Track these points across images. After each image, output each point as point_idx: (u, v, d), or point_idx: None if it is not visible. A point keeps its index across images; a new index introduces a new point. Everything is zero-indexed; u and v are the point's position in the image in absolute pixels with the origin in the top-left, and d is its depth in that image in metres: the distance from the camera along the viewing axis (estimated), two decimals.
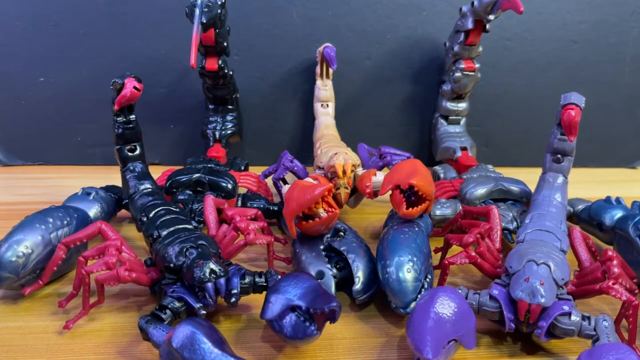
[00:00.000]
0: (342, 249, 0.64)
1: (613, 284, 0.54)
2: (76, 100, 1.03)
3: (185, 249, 0.55)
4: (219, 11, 0.79)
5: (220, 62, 0.89)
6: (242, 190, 0.85)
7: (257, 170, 0.93)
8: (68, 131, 1.06)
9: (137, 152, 0.71)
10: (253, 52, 1.05)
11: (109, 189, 0.79)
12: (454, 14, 0.95)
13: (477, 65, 0.97)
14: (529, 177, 0.84)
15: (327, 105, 1.00)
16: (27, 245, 0.59)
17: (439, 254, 0.70)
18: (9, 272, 0.57)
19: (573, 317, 0.52)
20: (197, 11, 0.76)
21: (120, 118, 0.68)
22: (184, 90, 1.04)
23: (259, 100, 1.08)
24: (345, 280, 0.64)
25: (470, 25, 0.89)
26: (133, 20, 1.01)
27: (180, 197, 0.76)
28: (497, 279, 0.58)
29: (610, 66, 1.12)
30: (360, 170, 0.78)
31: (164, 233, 0.59)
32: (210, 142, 0.99)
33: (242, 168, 0.96)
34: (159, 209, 0.64)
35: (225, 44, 0.88)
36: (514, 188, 0.80)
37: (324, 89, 1.00)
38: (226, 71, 0.90)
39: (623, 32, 1.11)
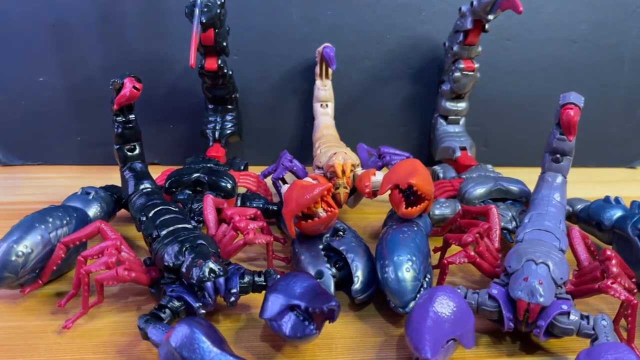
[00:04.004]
0: (341, 248, 0.64)
1: (612, 283, 0.54)
2: (76, 100, 1.04)
3: (184, 249, 0.55)
4: (218, 11, 0.79)
5: (219, 62, 0.89)
6: (241, 190, 0.85)
7: (256, 170, 0.93)
8: (68, 131, 1.06)
9: (137, 151, 0.71)
10: (253, 52, 1.05)
11: (108, 188, 0.79)
12: (454, 14, 0.95)
13: (476, 65, 0.97)
14: (529, 176, 0.84)
15: (327, 105, 1.00)
16: (27, 244, 0.59)
17: (438, 253, 0.70)
18: (8, 272, 0.57)
19: (572, 317, 0.52)
20: (197, 11, 0.76)
21: (120, 118, 0.68)
22: (184, 90, 1.04)
23: (259, 100, 1.08)
24: (344, 280, 0.64)
25: (469, 25, 0.89)
26: (133, 20, 1.01)
27: (180, 197, 0.76)
28: (496, 279, 0.58)
29: (609, 66, 1.12)
30: (359, 170, 0.78)
31: (163, 232, 0.59)
32: (209, 141, 0.99)
33: (242, 168, 0.96)
34: (158, 208, 0.64)
35: (224, 43, 0.88)
36: (513, 188, 0.80)
37: (324, 89, 1.00)
38: (225, 71, 0.91)
39: (623, 32, 1.11)
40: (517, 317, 0.53)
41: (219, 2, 0.80)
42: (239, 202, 0.80)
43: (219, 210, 0.69)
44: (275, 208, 0.80)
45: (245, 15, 1.02)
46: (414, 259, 0.58)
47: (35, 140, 1.06)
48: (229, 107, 1.00)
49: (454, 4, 1.03)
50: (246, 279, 0.55)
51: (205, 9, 0.77)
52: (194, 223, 0.63)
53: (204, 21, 0.77)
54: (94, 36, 1.01)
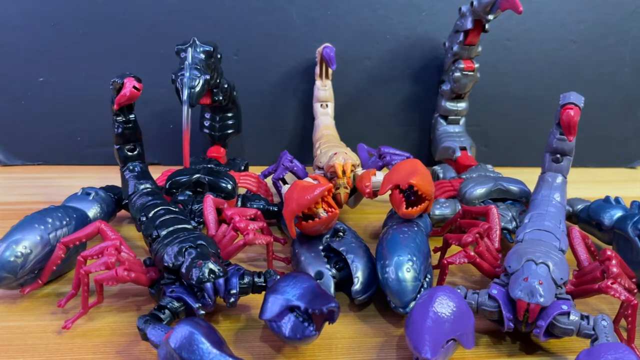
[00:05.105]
0: (341, 249, 0.64)
1: (612, 283, 0.54)
2: (76, 100, 1.04)
3: (184, 249, 0.55)
4: (205, 86, 0.75)
5: (214, 97, 0.89)
6: (242, 191, 0.85)
7: (257, 170, 0.93)
8: (68, 131, 1.06)
9: (137, 151, 0.71)
10: (253, 52, 1.05)
11: (108, 189, 0.79)
12: (454, 13, 0.95)
13: (476, 65, 0.97)
14: (529, 177, 0.84)
15: (327, 105, 1.00)
16: (26, 245, 0.59)
17: (438, 253, 0.70)
18: (7, 272, 0.57)
19: (572, 317, 0.52)
20: (185, 94, 0.72)
21: (120, 118, 0.68)
22: None
23: (259, 100, 1.08)
24: (344, 281, 0.63)
25: (469, 25, 0.89)
26: (133, 20, 1.01)
27: (180, 197, 0.76)
28: (496, 279, 0.58)
29: (609, 66, 1.12)
30: (359, 170, 0.78)
31: (163, 233, 0.59)
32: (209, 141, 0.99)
33: (242, 168, 0.96)
34: (158, 208, 0.64)
35: (220, 97, 0.88)
36: (513, 188, 0.80)
37: (324, 89, 1.00)
38: (221, 98, 0.90)
39: (623, 32, 1.11)
40: (517, 317, 0.53)
41: (204, 78, 0.75)
42: (239, 203, 0.80)
43: (219, 211, 0.69)
44: (275, 209, 0.80)
45: (245, 15, 1.02)
46: (415, 259, 0.58)
47: (35, 140, 1.06)
48: (229, 107, 1.00)
49: (454, 4, 1.03)
50: (246, 279, 0.55)
51: (192, 90, 0.73)
52: (194, 223, 0.63)
53: (193, 104, 0.74)
54: (94, 36, 1.01)
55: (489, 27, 0.90)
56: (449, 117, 1.05)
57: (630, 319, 0.54)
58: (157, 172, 0.82)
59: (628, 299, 0.53)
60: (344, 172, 0.74)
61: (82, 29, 1.00)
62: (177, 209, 0.65)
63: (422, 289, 0.59)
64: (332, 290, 0.60)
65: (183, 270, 0.54)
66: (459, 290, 0.55)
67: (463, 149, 0.99)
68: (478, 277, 0.70)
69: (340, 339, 0.57)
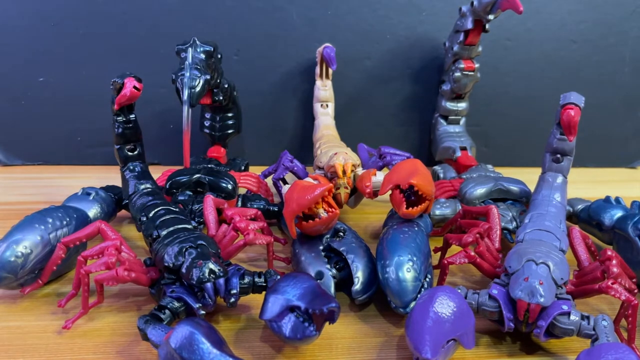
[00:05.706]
0: (341, 249, 0.64)
1: (612, 283, 0.54)
2: (76, 100, 1.04)
3: (184, 249, 0.55)
4: (205, 86, 0.75)
5: (214, 97, 0.89)
6: (242, 191, 0.85)
7: (257, 170, 0.93)
8: (68, 131, 1.06)
9: (137, 151, 0.71)
10: (253, 52, 1.05)
11: (109, 189, 0.79)
12: (454, 13, 0.95)
13: (476, 65, 0.97)
14: (529, 177, 0.84)
15: (327, 105, 1.00)
16: (26, 245, 0.59)
17: (439, 253, 0.70)
18: (7, 272, 0.57)
19: (572, 317, 0.52)
20: (185, 94, 0.72)
21: (120, 118, 0.68)
22: None
23: (259, 100, 1.08)
24: (344, 281, 0.63)
25: (469, 25, 0.89)
26: (133, 20, 1.01)
27: (180, 197, 0.76)
28: (496, 279, 0.58)
29: (609, 66, 1.12)
30: (360, 170, 0.78)
31: (164, 233, 0.59)
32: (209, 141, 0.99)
33: (242, 168, 0.96)
34: (158, 208, 0.64)
35: (221, 97, 0.88)
36: (514, 188, 0.80)
37: (324, 89, 1.00)
38: (221, 98, 0.90)
39: (623, 32, 1.11)
40: (517, 317, 0.53)
41: (205, 78, 0.75)
42: (239, 203, 0.80)
43: (219, 211, 0.69)
44: (276, 209, 0.80)
45: (245, 15, 1.02)
46: (415, 259, 0.58)
47: (35, 140, 1.06)
48: (229, 107, 1.00)
49: (454, 4, 1.03)
50: (246, 279, 0.55)
51: (192, 90, 0.73)
52: (194, 223, 0.63)
53: (193, 104, 0.74)
54: (94, 36, 1.01)
55: (489, 27, 0.90)
56: (449, 117, 1.05)
57: (630, 319, 0.55)
58: (157, 172, 0.82)
59: (628, 299, 0.53)
60: (344, 172, 0.74)
61: (82, 29, 1.00)
62: (177, 209, 0.65)
63: (423, 289, 0.59)
64: (332, 290, 0.60)
65: (183, 270, 0.54)
66: (459, 290, 0.55)
67: (463, 149, 0.99)
68: (478, 277, 0.70)
69: (341, 339, 0.57)
